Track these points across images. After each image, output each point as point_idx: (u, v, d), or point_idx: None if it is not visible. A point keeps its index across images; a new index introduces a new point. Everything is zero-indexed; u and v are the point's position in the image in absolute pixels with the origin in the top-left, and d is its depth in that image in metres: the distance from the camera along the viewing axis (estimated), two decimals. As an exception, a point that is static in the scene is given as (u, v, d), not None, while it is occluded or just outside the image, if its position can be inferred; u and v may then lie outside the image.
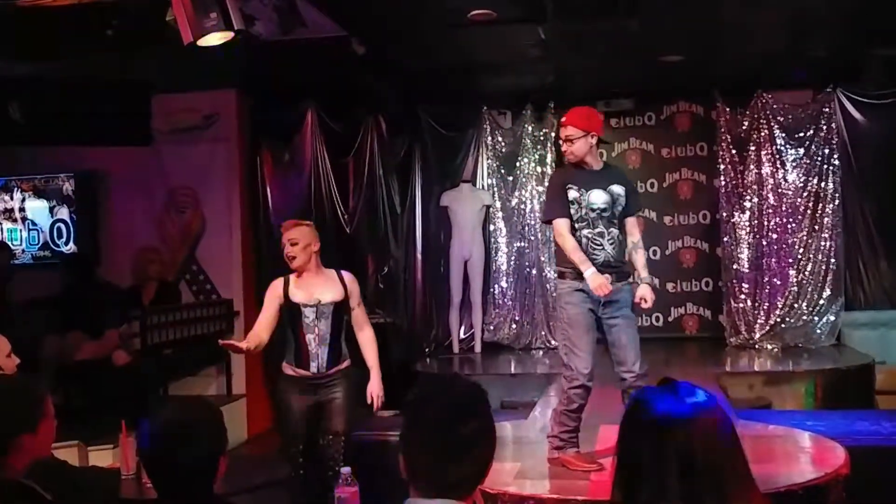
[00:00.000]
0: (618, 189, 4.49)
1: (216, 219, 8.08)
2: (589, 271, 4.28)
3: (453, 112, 9.24)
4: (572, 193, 4.44)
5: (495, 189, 9.29)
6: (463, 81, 8.44)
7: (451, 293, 9.01)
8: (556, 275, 4.74)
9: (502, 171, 9.31)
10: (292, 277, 4.67)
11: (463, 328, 9.20)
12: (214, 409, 2.35)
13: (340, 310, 4.72)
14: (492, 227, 9.27)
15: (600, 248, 4.41)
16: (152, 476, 2.26)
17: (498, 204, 9.28)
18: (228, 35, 4.68)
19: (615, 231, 4.46)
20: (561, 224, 4.44)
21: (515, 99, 9.19)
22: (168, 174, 8.10)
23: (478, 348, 9.07)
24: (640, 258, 4.55)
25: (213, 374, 7.93)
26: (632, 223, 4.58)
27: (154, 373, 7.00)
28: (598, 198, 4.43)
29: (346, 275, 4.83)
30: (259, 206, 8.33)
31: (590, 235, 4.42)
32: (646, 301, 4.44)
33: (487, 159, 9.34)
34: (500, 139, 9.33)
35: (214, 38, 4.69)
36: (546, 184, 9.00)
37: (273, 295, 4.68)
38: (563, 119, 4.57)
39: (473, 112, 9.26)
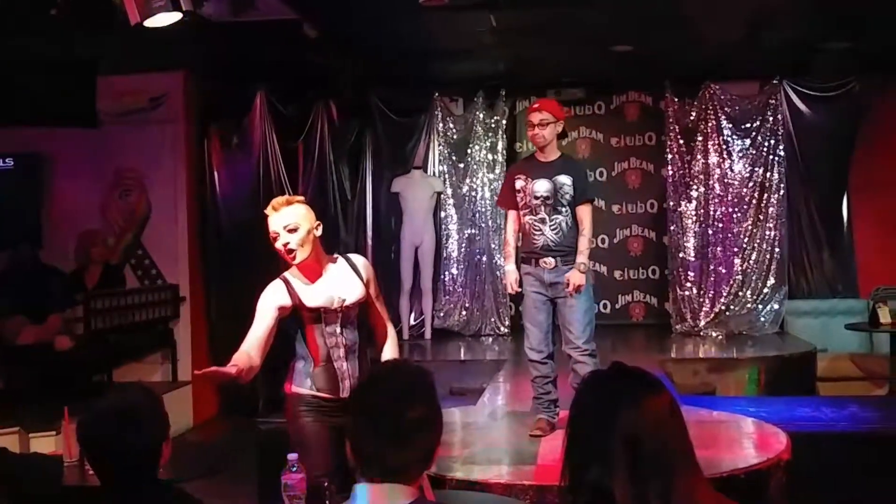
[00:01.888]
0: (563, 178, 4.77)
1: (162, 202, 7.97)
2: (506, 267, 4.97)
3: (405, 98, 9.20)
4: (519, 183, 4.82)
5: (446, 176, 9.28)
6: (415, 67, 8.39)
7: (402, 279, 9.00)
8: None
9: (453, 157, 9.30)
10: (294, 275, 3.56)
11: (413, 315, 9.20)
12: (154, 395, 2.33)
13: (363, 308, 3.74)
14: (443, 214, 9.26)
15: (540, 233, 4.77)
16: (93, 464, 2.23)
17: (449, 191, 9.27)
18: (176, 16, 4.60)
19: (560, 218, 4.76)
20: (507, 215, 4.96)
21: (467, 86, 9.17)
22: (113, 156, 7.96)
23: (428, 335, 9.07)
24: (580, 244, 4.77)
25: (158, 361, 7.83)
26: (581, 210, 4.81)
27: (97, 358, 6.89)
28: (541, 186, 4.76)
29: (358, 259, 3.79)
30: (206, 190, 8.23)
31: (531, 221, 4.78)
32: (569, 284, 4.67)
33: (439, 146, 9.31)
34: (451, 126, 9.32)
35: (162, 19, 4.61)
36: (497, 172, 9.10)
37: (271, 303, 3.52)
38: (536, 104, 4.90)
39: (425, 98, 9.22)
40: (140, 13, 4.50)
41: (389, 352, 3.85)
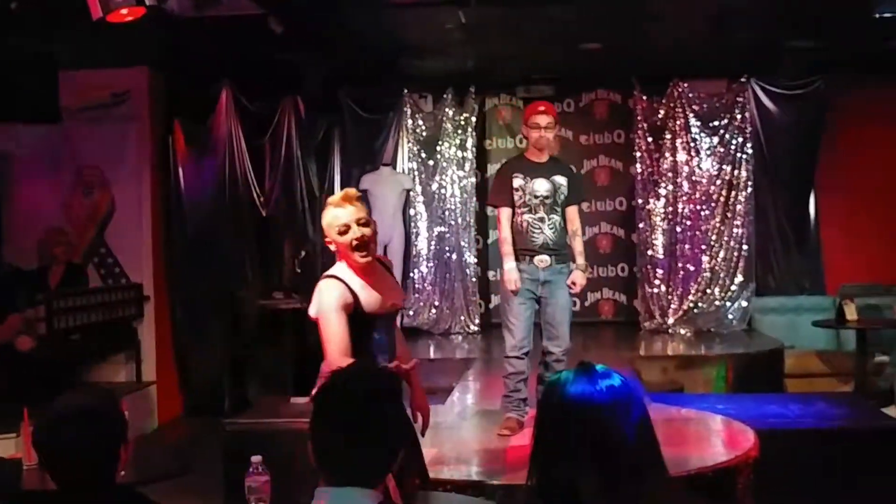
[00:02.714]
0: (560, 179, 4.95)
1: (126, 200, 7.85)
2: (507, 265, 4.89)
3: (374, 94, 9.13)
4: (517, 182, 4.92)
5: (416, 173, 9.23)
6: (384, 63, 8.34)
7: (370, 278, 8.93)
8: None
9: (423, 155, 9.26)
10: (345, 275, 3.28)
11: (382, 313, 9.13)
12: (112, 397, 2.27)
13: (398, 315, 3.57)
14: (412, 212, 9.21)
15: (539, 231, 4.89)
16: (47, 468, 2.16)
17: (418, 188, 9.22)
18: (139, 11, 4.52)
19: (556, 218, 4.93)
20: (501, 213, 4.96)
21: (437, 83, 9.13)
22: (76, 154, 7.85)
23: (397, 334, 9.01)
24: (577, 245, 5.01)
25: (122, 361, 7.71)
26: (573, 212, 5.03)
27: (60, 359, 6.78)
28: (540, 186, 4.89)
29: (388, 262, 3.65)
30: (171, 188, 8.14)
31: (530, 220, 4.89)
32: (575, 284, 4.92)
33: (408, 143, 9.26)
34: (420, 123, 9.27)
35: (124, 14, 4.52)
36: (467, 169, 9.07)
37: (340, 302, 3.21)
38: (542, 107, 5.04)
39: (394, 95, 9.16)
40: (102, 8, 4.42)
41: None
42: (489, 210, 9.16)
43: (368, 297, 3.25)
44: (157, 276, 7.93)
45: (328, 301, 3.19)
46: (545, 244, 4.88)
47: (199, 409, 7.99)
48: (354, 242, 3.21)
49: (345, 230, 3.22)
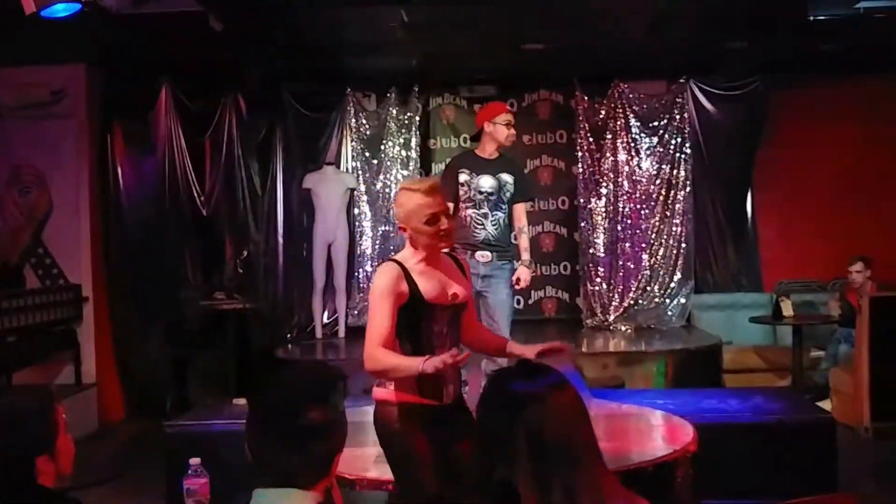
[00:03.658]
0: (506, 177, 5.09)
1: (64, 199, 7.70)
2: None
3: (316, 93, 9.08)
4: (463, 177, 5.05)
5: (360, 172, 9.19)
6: (326, 62, 8.29)
7: (315, 278, 8.88)
8: None
9: (367, 154, 9.22)
10: (408, 261, 3.21)
11: (326, 313, 9.09)
12: (45, 400, 2.21)
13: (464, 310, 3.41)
14: (356, 211, 9.17)
15: (482, 227, 5.00)
16: None
17: (363, 187, 9.19)
18: (74, 6, 4.44)
19: (500, 215, 5.04)
20: None
21: (380, 81, 9.10)
22: (12, 152, 7.67)
23: (342, 333, 8.98)
24: (522, 242, 5.15)
25: (61, 363, 7.56)
26: (519, 209, 5.16)
27: (-4, 361, 6.63)
28: (485, 182, 5.03)
29: (460, 257, 3.55)
30: (110, 187, 8.00)
31: (474, 215, 5.01)
32: (520, 281, 5.03)
33: (352, 142, 9.22)
34: (364, 122, 9.24)
35: (59, 10, 4.43)
36: (411, 168, 9.07)
37: (394, 288, 3.11)
38: (506, 106, 5.40)
39: (337, 94, 9.12)
40: (35, 2, 4.32)
41: (486, 331, 3.68)
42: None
43: (428, 286, 3.16)
44: (96, 276, 7.79)
45: (377, 285, 3.14)
46: (486, 240, 5.00)
47: (141, 410, 7.88)
48: (442, 232, 3.18)
49: (434, 219, 3.16)
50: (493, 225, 5.02)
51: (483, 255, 4.98)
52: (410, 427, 3.15)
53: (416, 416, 3.16)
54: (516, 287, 5.02)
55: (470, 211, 5.02)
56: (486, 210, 5.01)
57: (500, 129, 5.15)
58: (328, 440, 1.80)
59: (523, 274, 5.02)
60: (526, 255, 5.11)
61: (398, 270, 3.15)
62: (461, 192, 5.04)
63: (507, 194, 5.07)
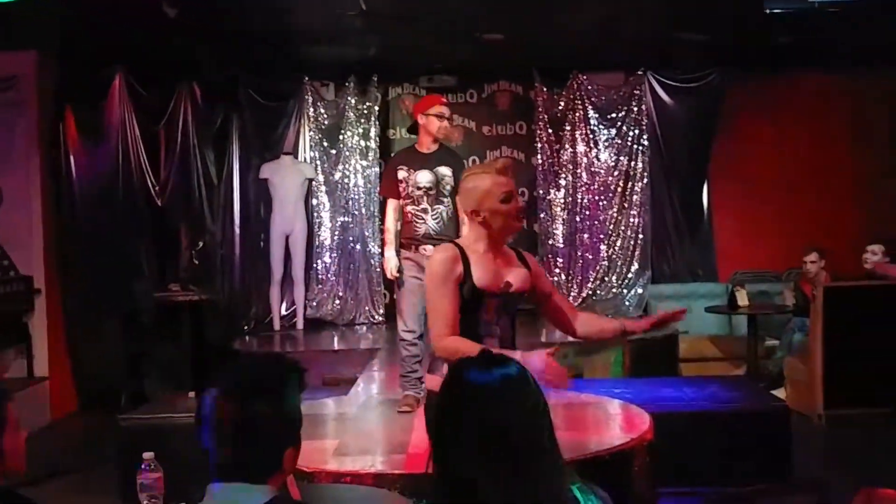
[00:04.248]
0: (444, 170, 5.06)
1: (14, 190, 7.55)
2: (386, 253, 5.16)
3: (274, 82, 8.98)
4: (401, 174, 5.08)
5: (318, 162, 9.13)
6: (284, 50, 8.21)
7: (272, 269, 8.81)
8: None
9: (325, 143, 9.16)
10: (472, 247, 3.11)
11: (284, 305, 9.03)
12: None
13: (519, 302, 3.29)
14: (314, 202, 9.11)
15: (423, 222, 5.03)
16: None
17: (321, 177, 9.12)
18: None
19: (441, 208, 5.04)
20: (388, 204, 5.18)
21: (338, 71, 9.04)
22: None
23: (300, 325, 8.92)
24: (464, 231, 4.92)
25: (12, 356, 7.42)
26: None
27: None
28: (423, 178, 5.03)
29: (523, 251, 3.39)
30: (62, 177, 7.85)
31: (413, 211, 5.03)
32: None
33: (310, 131, 9.14)
34: (322, 111, 9.17)
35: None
36: (370, 158, 9.02)
37: (450, 270, 3.04)
38: (444, 100, 5.30)
39: (295, 82, 9.04)
40: (-17, -14, 4.23)
41: (596, 320, 3.50)
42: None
43: (482, 271, 3.05)
44: (48, 268, 7.65)
45: (434, 268, 3.06)
46: (427, 234, 5.03)
47: (95, 404, 7.76)
48: (519, 211, 3.11)
49: (509, 196, 3.06)
50: (435, 219, 5.04)
51: (426, 250, 4.95)
52: None
53: None
54: None
55: (410, 207, 5.06)
56: (425, 205, 5.03)
57: (432, 121, 5.12)
58: (278, 434, 1.76)
59: None
60: None
61: (455, 251, 3.07)
62: (401, 189, 5.08)
63: (447, 187, 5.06)
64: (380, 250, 9.14)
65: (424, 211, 5.03)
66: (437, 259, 3.08)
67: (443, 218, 5.06)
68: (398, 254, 5.13)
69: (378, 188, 9.18)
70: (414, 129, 5.39)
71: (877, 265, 7.24)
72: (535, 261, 3.39)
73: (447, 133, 5.25)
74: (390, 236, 5.11)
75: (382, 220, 5.39)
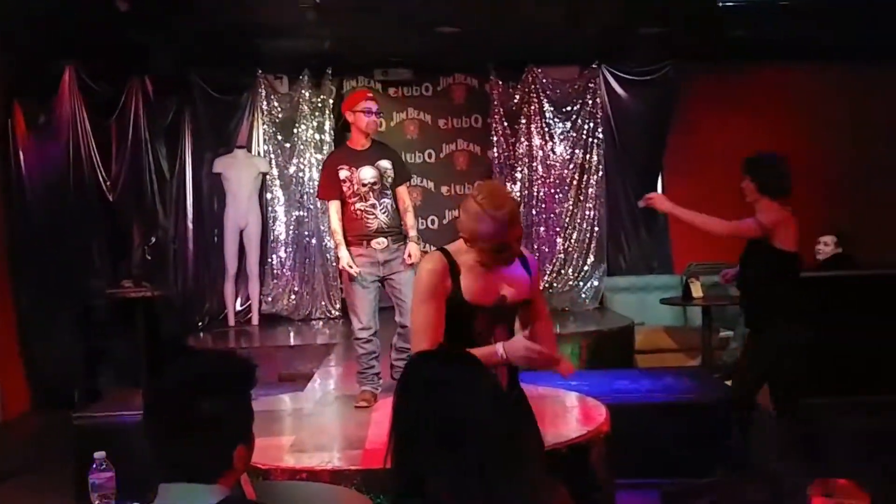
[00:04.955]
0: (385, 164, 5.12)
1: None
2: (340, 254, 5.07)
3: (226, 75, 8.87)
4: (343, 173, 5.06)
5: (272, 156, 9.05)
6: (236, 43, 8.11)
7: (226, 264, 8.72)
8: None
9: (279, 137, 9.08)
10: (462, 257, 2.96)
11: (239, 300, 8.94)
12: None
13: (516, 310, 3.13)
14: (269, 196, 9.03)
15: (373, 217, 5.07)
16: None
17: (275, 171, 9.05)
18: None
19: (387, 201, 5.11)
20: (330, 206, 5.13)
21: (292, 64, 8.96)
22: None
23: (255, 320, 8.85)
24: (409, 220, 5.20)
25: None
26: (402, 191, 5.23)
27: None
28: (366, 174, 5.06)
29: (525, 251, 3.19)
30: (11, 172, 7.70)
31: (363, 207, 5.05)
32: (410, 256, 5.06)
33: (263, 125, 9.05)
34: (276, 105, 9.08)
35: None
36: (325, 152, 8.95)
37: (437, 284, 2.91)
38: (371, 95, 5.22)
39: (248, 75, 8.94)
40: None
41: (547, 339, 3.22)
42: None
43: (473, 284, 2.91)
44: (-2, 266, 7.52)
45: (421, 278, 2.93)
46: (380, 228, 5.07)
47: (48, 402, 7.64)
48: (506, 256, 2.94)
49: (502, 249, 2.91)
50: (384, 213, 5.09)
51: (379, 243, 5.06)
52: None
53: None
54: (407, 262, 5.04)
55: (358, 205, 5.06)
56: (373, 200, 5.07)
57: (360, 117, 5.13)
58: (227, 431, 1.73)
59: (413, 250, 5.07)
60: (413, 233, 5.20)
61: (444, 263, 2.92)
62: (344, 188, 5.07)
63: (389, 180, 5.13)
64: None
65: (373, 206, 5.06)
66: (425, 269, 2.95)
67: (389, 210, 5.11)
68: (349, 252, 5.08)
69: (317, 191, 9.17)
70: (347, 126, 5.41)
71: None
72: (536, 262, 3.26)
73: (377, 127, 5.26)
74: (340, 237, 5.08)
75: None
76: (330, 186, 5.13)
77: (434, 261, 2.95)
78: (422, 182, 9.44)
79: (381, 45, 8.57)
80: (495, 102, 9.12)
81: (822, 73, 8.96)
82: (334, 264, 8.94)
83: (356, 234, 5.07)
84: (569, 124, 9.12)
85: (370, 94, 5.24)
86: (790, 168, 4.93)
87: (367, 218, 5.05)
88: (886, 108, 9.01)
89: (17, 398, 7.57)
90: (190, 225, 8.87)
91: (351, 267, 5.00)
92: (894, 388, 6.36)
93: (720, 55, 8.68)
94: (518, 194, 9.06)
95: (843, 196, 8.88)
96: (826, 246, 7.46)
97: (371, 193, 5.05)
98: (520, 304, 3.09)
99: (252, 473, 2.37)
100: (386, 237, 5.07)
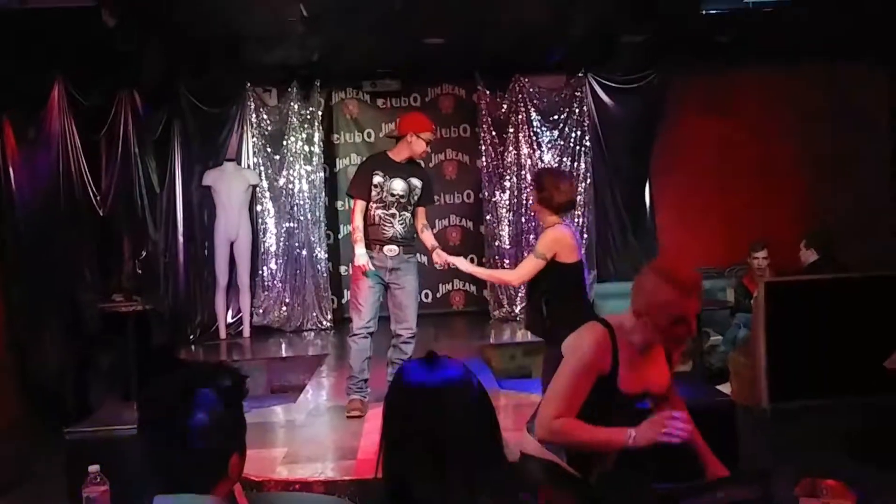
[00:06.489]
0: (416, 182, 5.42)
1: (-50, 200, 7.37)
2: (358, 250, 5.30)
3: (215, 88, 8.89)
4: (377, 179, 5.35)
5: (262, 168, 9.07)
6: (225, 56, 8.14)
7: (217, 276, 8.73)
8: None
9: (268, 149, 9.11)
10: (624, 336, 2.73)
11: (230, 312, 8.95)
12: None
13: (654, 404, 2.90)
14: (259, 208, 9.05)
15: (390, 226, 5.35)
16: None
17: (265, 184, 9.07)
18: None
19: (407, 215, 5.40)
20: (357, 204, 5.39)
21: (281, 76, 9.00)
22: None
23: (246, 332, 8.85)
24: (429, 237, 5.50)
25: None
26: (422, 212, 5.53)
27: None
28: (398, 186, 5.36)
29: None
30: (1, 187, 7.68)
31: (382, 215, 5.34)
32: (440, 256, 5.20)
33: (253, 137, 9.08)
34: (265, 117, 9.11)
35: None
36: (315, 163, 8.99)
37: (597, 361, 2.68)
38: (432, 126, 5.55)
39: (237, 88, 8.97)
40: None
41: None
42: (339, 205, 9.27)
43: (629, 373, 2.67)
44: (-14, 285, 7.49)
45: (581, 347, 2.68)
46: (394, 237, 5.36)
47: (38, 415, 7.60)
48: (686, 337, 2.73)
49: (683, 320, 2.66)
50: (401, 224, 5.36)
51: (391, 250, 5.33)
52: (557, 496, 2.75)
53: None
54: (437, 262, 5.24)
55: (379, 211, 5.33)
56: (394, 211, 5.34)
57: (419, 144, 5.39)
58: (218, 442, 1.75)
59: (442, 253, 5.24)
60: (435, 243, 5.41)
61: (608, 340, 2.68)
62: (373, 193, 5.33)
63: (416, 197, 5.41)
64: (326, 255, 9.15)
65: (393, 216, 5.34)
66: (588, 339, 2.70)
67: (407, 223, 5.38)
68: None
69: (327, 192, 9.23)
70: (389, 136, 5.56)
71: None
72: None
73: (425, 156, 5.62)
74: (360, 234, 5.31)
75: (350, 220, 5.53)
76: (362, 186, 5.38)
77: (597, 332, 2.71)
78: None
79: (369, 57, 8.61)
80: (483, 112, 9.17)
81: (806, 76, 9.05)
82: (325, 274, 9.01)
83: (372, 238, 5.34)
84: (556, 133, 9.17)
85: (433, 127, 5.58)
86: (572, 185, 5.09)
87: (385, 225, 5.34)
88: (868, 108, 9.12)
89: (6, 412, 7.53)
90: (180, 238, 8.86)
91: (366, 263, 5.23)
92: (880, 388, 6.39)
93: (705, 61, 8.74)
94: (507, 203, 9.10)
95: (828, 198, 8.93)
96: (807, 249, 7.48)
97: (396, 204, 5.34)
98: (659, 400, 2.85)
99: (245, 485, 2.38)
100: (398, 246, 5.35)
